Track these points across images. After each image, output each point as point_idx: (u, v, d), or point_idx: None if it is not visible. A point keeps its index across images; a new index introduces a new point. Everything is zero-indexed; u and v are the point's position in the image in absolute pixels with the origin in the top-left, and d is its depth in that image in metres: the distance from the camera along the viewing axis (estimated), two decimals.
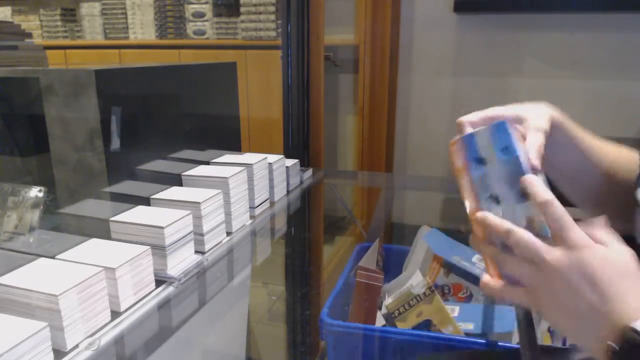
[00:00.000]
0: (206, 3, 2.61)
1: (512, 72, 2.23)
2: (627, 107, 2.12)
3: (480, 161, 0.53)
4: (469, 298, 0.95)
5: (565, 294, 0.44)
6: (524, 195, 0.50)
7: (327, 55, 2.17)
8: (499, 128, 0.54)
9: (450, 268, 0.96)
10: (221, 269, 0.85)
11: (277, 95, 1.54)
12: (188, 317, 0.72)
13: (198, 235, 0.83)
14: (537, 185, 0.48)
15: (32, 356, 0.50)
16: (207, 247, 0.85)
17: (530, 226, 0.48)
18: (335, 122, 2.56)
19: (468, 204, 0.54)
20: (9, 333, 0.49)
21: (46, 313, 0.55)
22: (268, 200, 1.10)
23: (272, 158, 1.10)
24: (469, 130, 0.56)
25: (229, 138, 1.17)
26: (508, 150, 0.52)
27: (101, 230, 0.75)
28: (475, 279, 0.95)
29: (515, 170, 0.51)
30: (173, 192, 0.87)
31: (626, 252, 0.45)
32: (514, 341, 0.80)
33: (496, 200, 0.51)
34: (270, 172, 1.09)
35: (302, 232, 1.19)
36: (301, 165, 1.33)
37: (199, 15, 2.64)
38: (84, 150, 0.76)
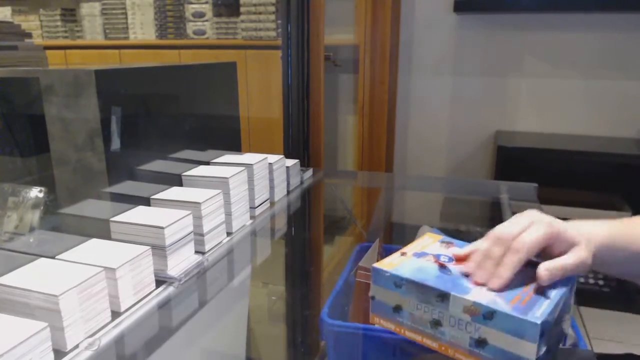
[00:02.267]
0: (206, 3, 2.61)
1: (512, 72, 2.23)
2: (627, 107, 2.12)
3: (397, 308, 0.57)
4: None
5: None
6: (442, 298, 0.53)
7: (327, 55, 2.17)
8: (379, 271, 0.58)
9: None
10: (221, 269, 0.85)
11: (277, 95, 1.54)
12: (188, 317, 0.72)
13: (198, 236, 0.83)
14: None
15: (32, 356, 0.50)
16: (207, 247, 0.85)
17: (472, 315, 0.51)
18: (335, 122, 2.56)
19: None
20: (9, 333, 0.49)
21: (46, 313, 0.55)
22: (268, 201, 1.10)
23: (272, 158, 1.10)
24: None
25: (229, 138, 1.17)
26: (398, 281, 0.56)
27: (101, 230, 0.75)
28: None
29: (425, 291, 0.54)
30: (173, 192, 0.87)
31: None
32: None
33: (437, 323, 0.54)
34: (271, 172, 1.09)
35: (302, 232, 1.19)
36: (301, 165, 1.33)
37: (199, 15, 2.64)
38: (84, 150, 0.76)
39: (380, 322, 0.59)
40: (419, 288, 0.54)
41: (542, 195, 1.24)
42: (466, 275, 0.56)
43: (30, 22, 2.98)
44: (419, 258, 0.60)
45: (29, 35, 1.19)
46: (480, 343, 0.50)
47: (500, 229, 0.56)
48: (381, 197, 1.47)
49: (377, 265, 0.58)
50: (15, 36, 1.15)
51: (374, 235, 1.11)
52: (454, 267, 0.58)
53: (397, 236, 1.28)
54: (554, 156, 1.99)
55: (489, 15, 2.20)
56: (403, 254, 0.61)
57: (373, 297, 0.58)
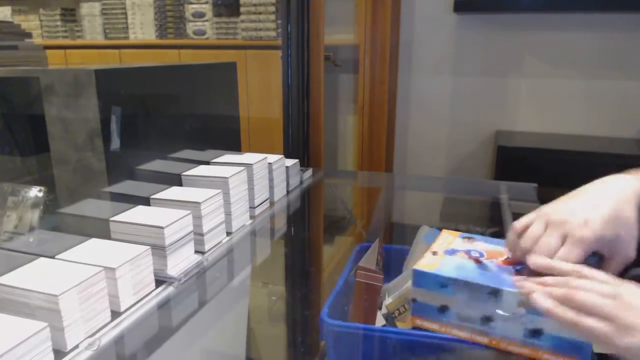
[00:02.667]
0: (206, 3, 2.61)
1: (512, 72, 2.23)
2: (627, 107, 2.12)
3: (443, 308, 0.57)
4: None
5: None
6: (494, 294, 0.53)
7: (327, 55, 2.17)
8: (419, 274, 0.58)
9: None
10: (221, 269, 0.85)
11: (277, 95, 1.54)
12: (188, 317, 0.72)
13: (198, 235, 0.83)
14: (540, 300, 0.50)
15: (32, 356, 0.50)
16: (207, 247, 0.85)
17: (528, 308, 0.52)
18: (335, 122, 2.56)
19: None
20: (9, 333, 0.49)
21: (46, 313, 0.55)
22: (268, 200, 1.10)
23: (272, 158, 1.10)
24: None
25: (229, 138, 1.17)
26: (445, 281, 0.56)
27: (101, 230, 0.75)
28: None
29: (473, 292, 0.54)
30: (173, 192, 0.87)
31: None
32: None
33: (487, 319, 0.54)
34: (270, 172, 1.09)
35: (302, 232, 1.19)
36: (301, 165, 1.33)
37: (199, 15, 2.64)
38: (84, 150, 0.76)
39: (422, 324, 0.59)
40: (468, 286, 0.54)
41: (542, 195, 1.23)
42: (504, 269, 0.57)
43: (30, 22, 2.98)
44: (452, 255, 0.60)
45: (29, 35, 1.19)
46: (536, 333, 0.51)
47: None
48: (381, 197, 1.47)
49: (418, 267, 0.57)
50: (15, 36, 1.15)
51: (374, 235, 1.11)
52: (488, 262, 0.58)
53: (397, 236, 1.28)
54: (554, 156, 1.99)
55: (489, 15, 2.20)
56: (434, 253, 0.62)
57: (414, 300, 0.58)
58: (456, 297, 0.55)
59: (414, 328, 0.62)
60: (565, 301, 0.48)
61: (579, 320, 0.47)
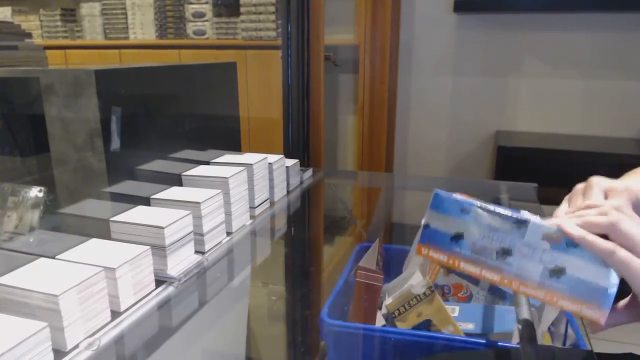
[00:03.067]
0: (206, 3, 2.61)
1: (512, 72, 2.23)
2: (627, 107, 2.12)
3: (457, 236, 0.52)
4: (469, 298, 0.95)
5: None
6: (518, 225, 0.49)
7: (327, 55, 2.17)
8: (440, 197, 0.53)
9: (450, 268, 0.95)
10: (221, 269, 0.85)
11: (277, 95, 1.54)
12: (188, 317, 0.72)
13: (198, 235, 0.83)
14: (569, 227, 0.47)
15: (32, 356, 0.50)
16: (207, 247, 0.85)
17: (553, 243, 0.48)
18: (335, 122, 2.56)
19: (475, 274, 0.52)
20: (9, 333, 0.49)
21: (46, 313, 0.56)
22: (268, 200, 1.10)
23: (272, 158, 1.10)
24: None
25: (229, 138, 1.17)
26: (467, 207, 0.51)
27: (101, 230, 0.75)
28: (474, 279, 0.95)
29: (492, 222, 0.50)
30: (173, 192, 0.87)
31: None
32: (514, 341, 0.80)
33: (505, 252, 0.50)
34: (270, 172, 1.09)
35: (302, 232, 1.19)
36: (301, 165, 1.33)
37: (199, 15, 2.64)
38: (84, 150, 0.76)
39: (429, 254, 0.53)
40: (492, 214, 0.50)
41: (542, 195, 1.23)
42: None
43: (30, 22, 2.98)
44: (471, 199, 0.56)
45: (29, 35, 1.19)
46: (556, 273, 0.48)
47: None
48: (381, 197, 1.47)
49: (440, 190, 0.53)
50: (16, 36, 1.15)
51: (374, 235, 1.11)
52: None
53: (397, 236, 1.28)
54: (554, 156, 2.00)
55: (489, 15, 2.20)
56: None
57: (427, 225, 0.53)
58: (475, 225, 0.50)
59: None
60: (608, 229, 0.46)
61: (617, 249, 0.45)
